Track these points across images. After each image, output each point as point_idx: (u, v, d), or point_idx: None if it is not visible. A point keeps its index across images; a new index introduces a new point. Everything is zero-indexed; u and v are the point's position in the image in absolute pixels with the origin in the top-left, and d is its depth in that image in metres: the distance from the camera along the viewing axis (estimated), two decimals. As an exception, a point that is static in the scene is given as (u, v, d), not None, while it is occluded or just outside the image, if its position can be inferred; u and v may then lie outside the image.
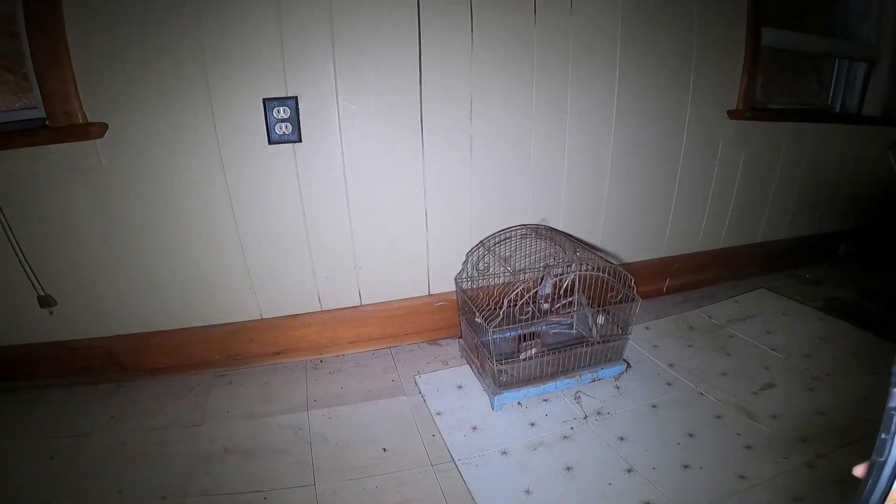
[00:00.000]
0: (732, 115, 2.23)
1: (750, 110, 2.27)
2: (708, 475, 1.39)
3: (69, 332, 1.72)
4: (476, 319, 1.69)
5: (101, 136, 1.50)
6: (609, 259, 2.19)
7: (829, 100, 2.82)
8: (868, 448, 0.45)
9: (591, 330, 1.85)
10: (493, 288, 1.86)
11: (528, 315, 1.67)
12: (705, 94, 2.15)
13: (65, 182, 1.53)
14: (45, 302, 1.64)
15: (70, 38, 1.40)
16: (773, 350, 1.98)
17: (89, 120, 1.48)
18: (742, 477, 1.37)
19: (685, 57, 2.06)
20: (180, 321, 1.79)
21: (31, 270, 1.60)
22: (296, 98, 1.61)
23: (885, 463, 0.43)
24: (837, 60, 2.75)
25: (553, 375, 1.73)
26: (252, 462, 1.45)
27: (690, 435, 1.54)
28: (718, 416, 1.62)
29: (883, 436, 0.43)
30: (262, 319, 1.86)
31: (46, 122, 1.47)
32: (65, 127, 1.46)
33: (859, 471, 0.48)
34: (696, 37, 2.04)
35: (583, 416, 1.64)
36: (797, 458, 1.44)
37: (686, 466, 1.42)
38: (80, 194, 1.55)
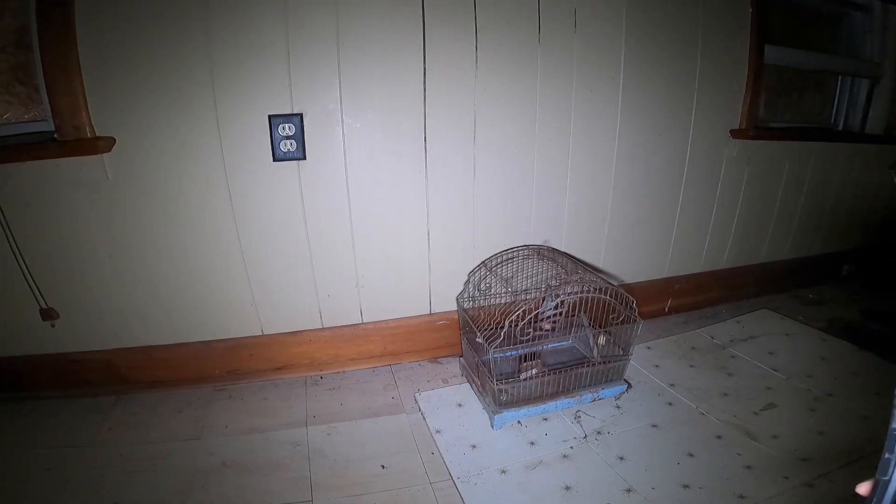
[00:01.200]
0: (735, 133, 2.25)
1: (753, 129, 2.28)
2: (707, 495, 1.38)
3: (71, 345, 1.72)
4: (477, 339, 1.69)
5: (109, 150, 1.52)
6: (611, 280, 2.19)
7: (832, 118, 2.84)
8: (868, 468, 0.45)
9: (592, 350, 1.85)
10: (495, 308, 1.86)
11: (529, 336, 1.67)
12: (708, 113, 2.17)
13: (71, 196, 1.55)
14: (48, 315, 1.65)
15: (81, 52, 1.43)
16: (774, 370, 1.97)
17: (97, 134, 1.50)
18: (742, 497, 1.36)
19: (688, 76, 2.08)
20: (181, 335, 1.80)
21: (35, 283, 1.61)
22: (301, 115, 1.63)
23: (889, 482, 0.44)
24: (841, 78, 2.77)
25: (553, 395, 1.72)
26: (250, 477, 1.44)
27: (690, 455, 1.53)
28: (719, 436, 1.61)
29: (887, 455, 0.44)
30: (262, 335, 1.87)
31: (55, 136, 1.49)
32: (73, 141, 1.48)
33: (863, 489, 0.48)
34: (700, 55, 2.06)
35: (583, 435, 1.63)
36: (797, 477, 1.43)
37: (686, 486, 1.41)
38: (85, 208, 1.57)
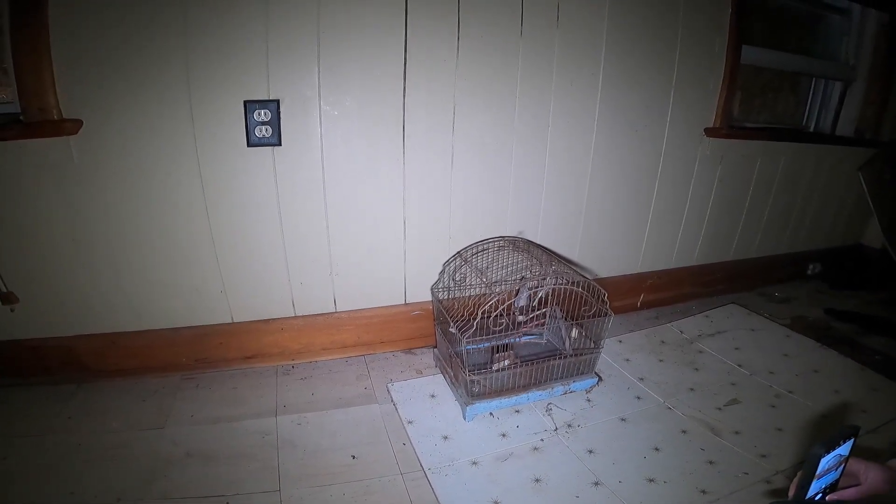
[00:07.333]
0: (710, 132, 2.27)
1: (727, 128, 2.31)
2: (671, 489, 1.41)
3: (31, 331, 1.66)
4: (450, 329, 1.69)
5: (75, 132, 1.46)
6: (584, 273, 2.21)
7: (804, 119, 2.89)
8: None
9: (564, 343, 1.87)
10: (469, 299, 1.86)
11: (503, 327, 1.67)
12: (684, 110, 2.18)
13: (36, 178, 1.49)
14: (7, 299, 1.59)
15: (52, 32, 1.38)
16: (739, 366, 2.02)
17: (64, 116, 1.44)
18: (704, 492, 1.40)
19: (666, 73, 2.09)
20: (147, 322, 1.75)
21: (-5, 266, 1.56)
22: (277, 101, 1.59)
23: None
24: (814, 80, 2.82)
25: (525, 387, 1.73)
26: (215, 467, 1.42)
27: (656, 449, 1.56)
28: (684, 431, 1.65)
29: None
30: (233, 323, 1.83)
31: (21, 117, 1.43)
32: (38, 122, 1.42)
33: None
34: (678, 53, 2.07)
35: (553, 428, 1.64)
36: (756, 474, 1.47)
37: (651, 480, 1.43)
38: (50, 191, 1.51)
